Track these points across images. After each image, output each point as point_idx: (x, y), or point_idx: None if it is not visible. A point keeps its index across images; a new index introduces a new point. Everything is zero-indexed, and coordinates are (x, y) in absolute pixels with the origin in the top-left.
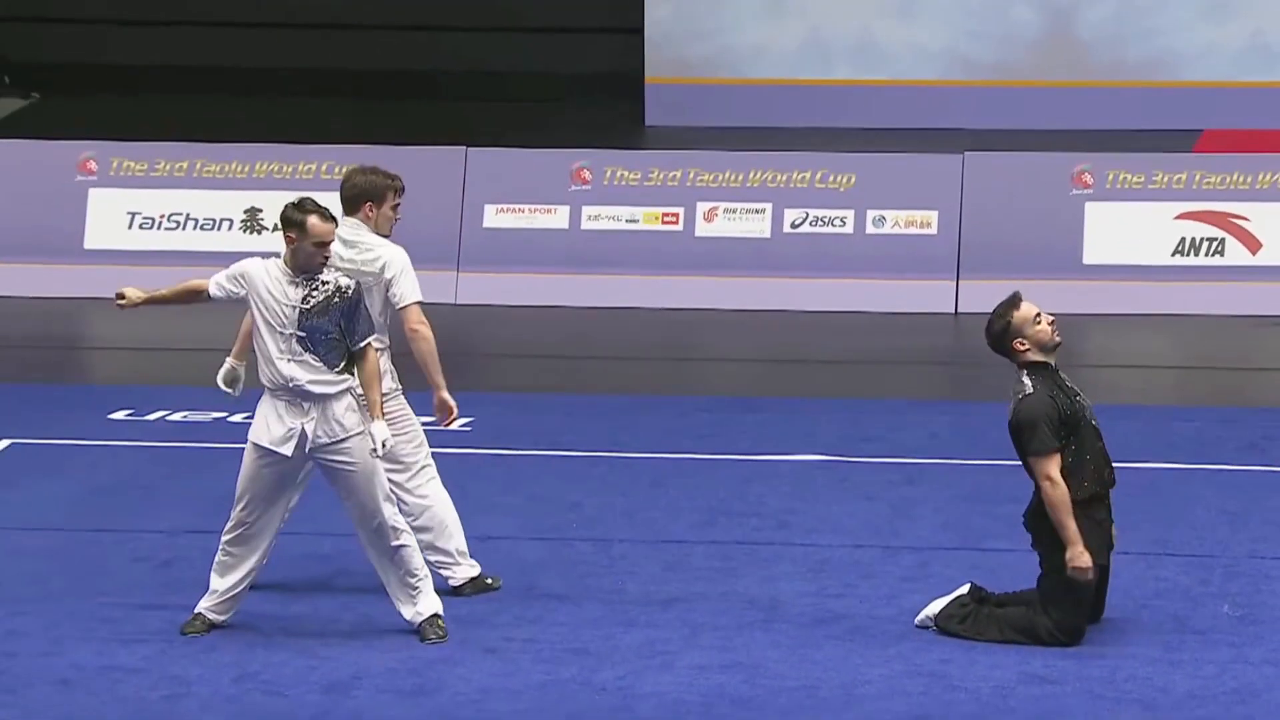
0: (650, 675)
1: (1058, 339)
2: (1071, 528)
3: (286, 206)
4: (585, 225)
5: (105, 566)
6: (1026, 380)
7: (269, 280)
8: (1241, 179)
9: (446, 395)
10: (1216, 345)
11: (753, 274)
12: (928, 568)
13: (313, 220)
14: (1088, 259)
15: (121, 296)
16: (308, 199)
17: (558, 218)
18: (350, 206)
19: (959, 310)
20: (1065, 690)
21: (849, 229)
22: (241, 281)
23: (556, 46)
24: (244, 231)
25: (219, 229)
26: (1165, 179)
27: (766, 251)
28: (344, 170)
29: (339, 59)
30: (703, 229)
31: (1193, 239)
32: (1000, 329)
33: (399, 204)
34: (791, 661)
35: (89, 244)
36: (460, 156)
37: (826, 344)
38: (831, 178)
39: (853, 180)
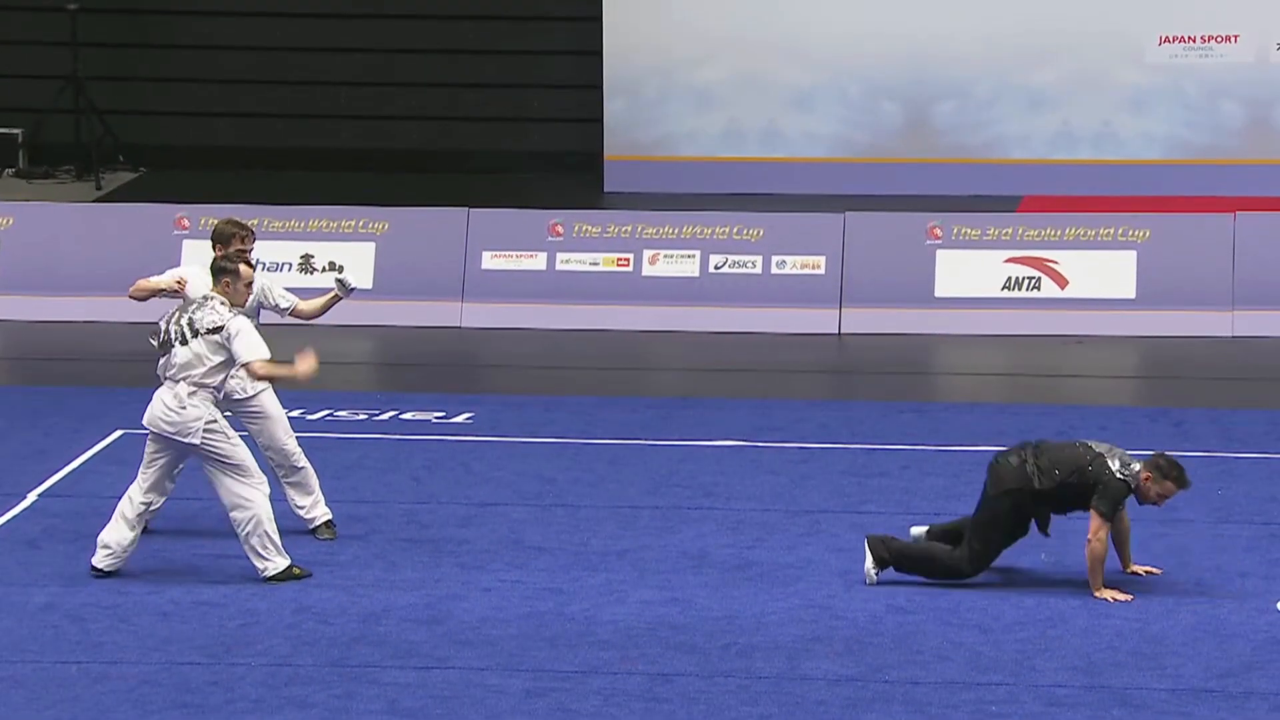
0: (608, 608)
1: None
2: (1099, 577)
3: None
4: (559, 267)
5: (196, 525)
6: (1124, 472)
7: None
8: (1053, 233)
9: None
10: (1035, 357)
11: (686, 304)
12: (818, 526)
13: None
14: (938, 293)
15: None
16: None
17: (538, 261)
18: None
19: (841, 332)
20: (921, 618)
21: (759, 270)
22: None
23: (538, 132)
24: (300, 272)
25: (280, 270)
26: (996, 232)
27: (696, 287)
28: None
29: (374, 141)
30: (648, 270)
31: (1017, 277)
32: (1155, 465)
33: (242, 250)
34: (716, 597)
35: None
36: (464, 215)
37: (741, 357)
38: (745, 231)
39: (761, 233)
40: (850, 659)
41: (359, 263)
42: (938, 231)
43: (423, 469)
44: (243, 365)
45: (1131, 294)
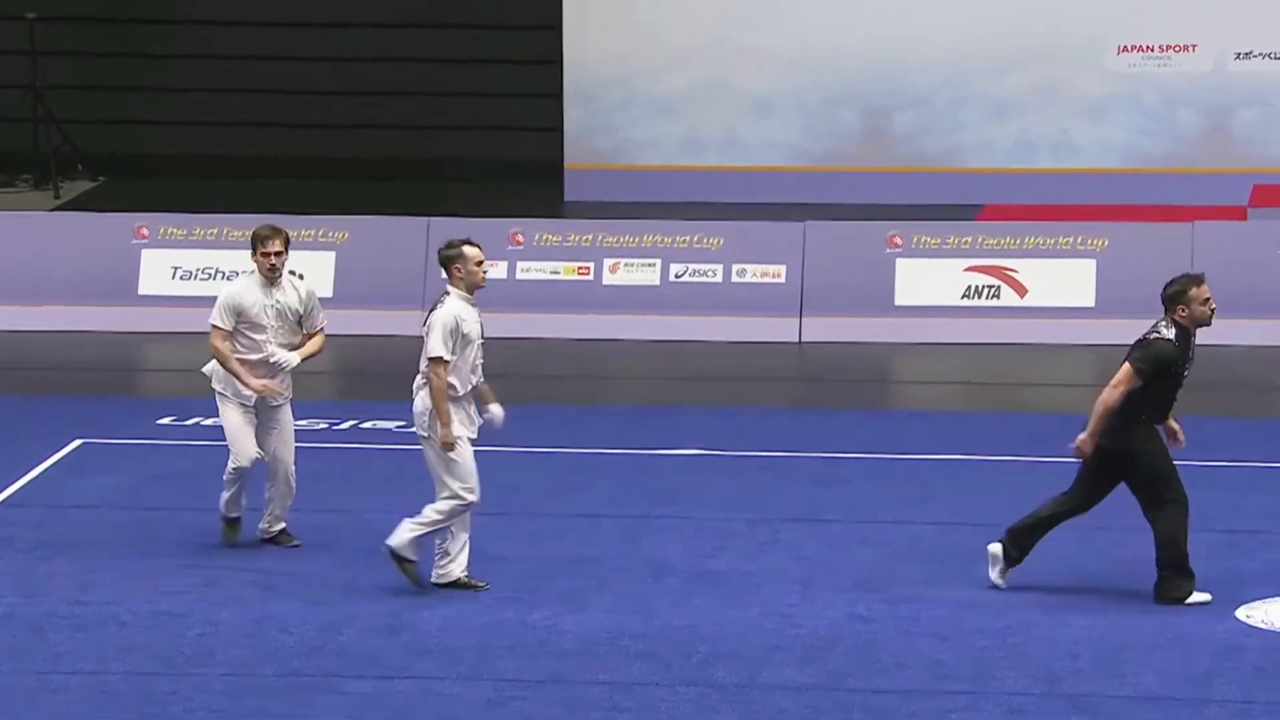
0: (570, 616)
1: (1210, 322)
2: (1096, 426)
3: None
4: (520, 276)
5: (156, 535)
6: (1170, 330)
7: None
8: (1013, 241)
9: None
10: (995, 366)
11: (647, 313)
12: (779, 534)
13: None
14: (898, 301)
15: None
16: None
17: (499, 270)
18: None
19: (802, 340)
20: (881, 627)
21: (719, 279)
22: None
23: (498, 140)
24: None
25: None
26: (956, 241)
27: (657, 296)
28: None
29: (334, 150)
30: (609, 279)
31: (977, 286)
32: (1175, 291)
33: (266, 251)
34: (677, 606)
35: (141, 291)
36: (424, 224)
37: (703, 365)
38: (706, 240)
39: (721, 242)
40: (810, 668)
41: (319, 271)
42: (897, 240)
43: (384, 478)
44: (428, 359)
45: (1091, 302)
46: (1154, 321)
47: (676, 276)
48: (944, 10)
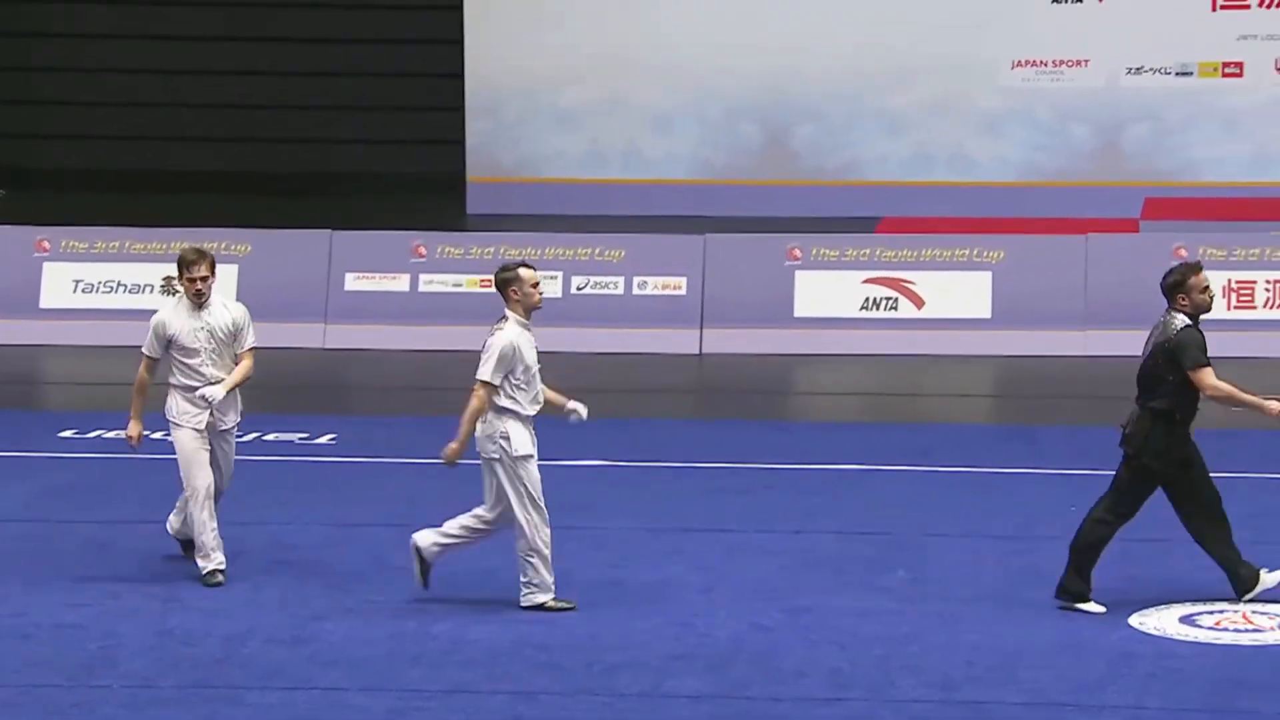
0: (474, 627)
1: (1211, 308)
2: (1247, 398)
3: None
4: (422, 288)
5: (57, 548)
6: (1180, 319)
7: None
8: (910, 253)
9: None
10: (893, 376)
11: (549, 325)
12: (682, 544)
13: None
14: (797, 313)
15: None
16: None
17: (401, 283)
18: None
19: (702, 352)
20: (782, 636)
21: (620, 291)
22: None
23: (403, 154)
24: (162, 294)
25: (142, 292)
26: (854, 253)
27: (559, 308)
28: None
29: (237, 164)
30: None
31: (874, 298)
32: (1175, 281)
33: (192, 276)
34: (581, 616)
35: (43, 304)
36: (327, 238)
37: (606, 378)
38: (607, 252)
39: (623, 254)
40: (712, 677)
41: (222, 285)
42: (797, 253)
43: (287, 491)
44: (478, 379)
45: (987, 314)
46: (1150, 327)
47: (578, 289)
48: (839, 27)
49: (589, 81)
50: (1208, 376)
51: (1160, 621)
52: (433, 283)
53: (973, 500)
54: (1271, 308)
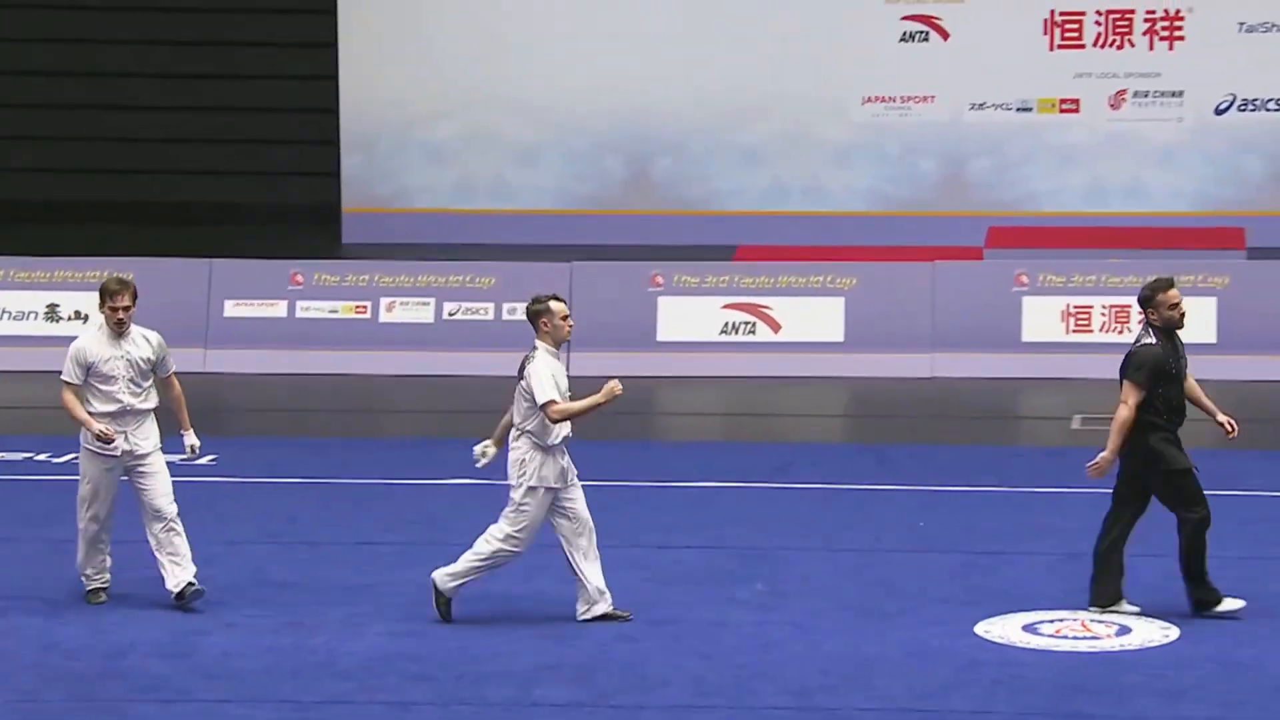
0: (348, 641)
1: (1181, 325)
2: (1115, 443)
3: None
4: (299, 314)
5: None
6: (1150, 335)
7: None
8: (767, 280)
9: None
10: (751, 398)
11: (421, 349)
12: (549, 559)
13: (554, 304)
14: (660, 337)
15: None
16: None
17: (279, 309)
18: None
19: (570, 375)
20: (647, 645)
21: (490, 316)
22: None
23: (280, 186)
24: (46, 320)
25: (27, 319)
26: (714, 280)
27: (431, 333)
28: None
29: (118, 195)
30: (385, 317)
31: (733, 322)
32: (1144, 296)
33: (114, 305)
34: (452, 629)
35: None
36: (207, 266)
37: (475, 400)
38: (478, 279)
39: (493, 281)
40: (579, 685)
41: None
42: (659, 279)
43: None
44: (540, 408)
45: (840, 337)
46: (1137, 335)
47: (450, 315)
48: (697, 65)
49: (459, 117)
50: (1125, 391)
51: (1004, 630)
52: (309, 309)
53: (827, 515)
54: (1107, 331)
